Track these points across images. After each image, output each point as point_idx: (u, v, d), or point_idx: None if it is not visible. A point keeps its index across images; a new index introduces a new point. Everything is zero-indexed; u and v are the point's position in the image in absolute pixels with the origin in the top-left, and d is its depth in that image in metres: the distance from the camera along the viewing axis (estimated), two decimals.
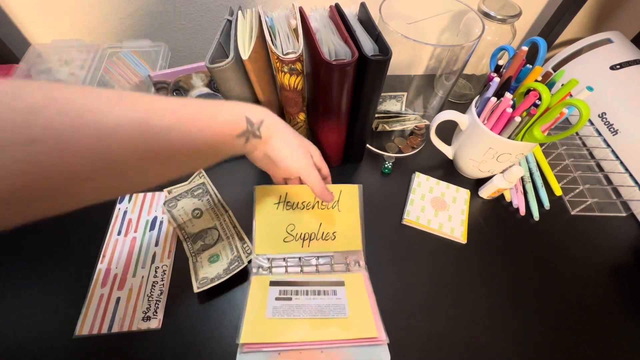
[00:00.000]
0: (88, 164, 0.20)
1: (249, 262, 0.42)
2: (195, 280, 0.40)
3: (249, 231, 0.45)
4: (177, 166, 0.28)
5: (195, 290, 0.38)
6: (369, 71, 0.38)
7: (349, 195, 0.47)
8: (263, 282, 0.41)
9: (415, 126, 0.55)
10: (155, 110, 0.24)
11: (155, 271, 0.42)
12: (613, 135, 0.54)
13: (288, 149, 0.36)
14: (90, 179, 0.21)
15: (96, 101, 0.21)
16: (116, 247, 0.43)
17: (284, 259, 0.43)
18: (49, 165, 0.19)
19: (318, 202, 0.47)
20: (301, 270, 0.43)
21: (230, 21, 0.40)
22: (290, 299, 0.39)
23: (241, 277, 0.41)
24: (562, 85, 0.40)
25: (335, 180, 0.53)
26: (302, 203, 0.46)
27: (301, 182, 0.40)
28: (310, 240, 0.44)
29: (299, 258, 0.43)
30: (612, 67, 0.57)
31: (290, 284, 0.41)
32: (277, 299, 0.39)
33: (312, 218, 0.46)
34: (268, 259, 0.43)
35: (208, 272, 0.41)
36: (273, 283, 0.41)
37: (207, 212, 0.46)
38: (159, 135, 0.24)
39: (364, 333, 0.37)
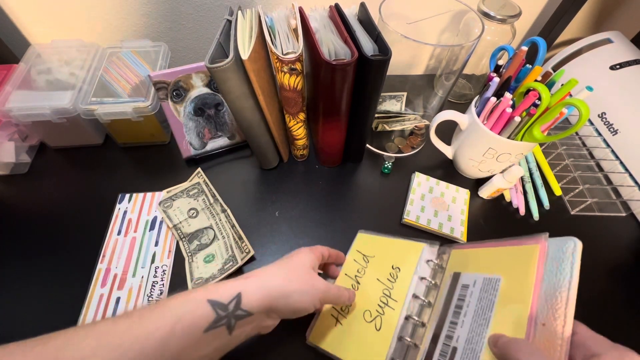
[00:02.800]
0: None
1: (249, 260, 0.42)
2: (191, 280, 0.40)
3: (248, 231, 0.45)
4: None
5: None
6: (369, 71, 0.38)
7: (358, 244, 0.44)
8: None
9: (415, 126, 0.55)
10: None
11: (155, 271, 0.42)
12: (613, 135, 0.54)
13: (294, 285, 0.29)
14: None
15: None
16: (116, 247, 0.43)
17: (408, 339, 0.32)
18: None
19: (357, 288, 0.39)
20: (427, 318, 0.33)
21: (230, 21, 0.40)
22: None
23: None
24: (562, 85, 0.40)
25: (335, 180, 0.53)
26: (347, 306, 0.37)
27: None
28: (389, 297, 0.35)
29: (406, 317, 0.33)
30: (612, 67, 0.57)
31: (434, 339, 0.29)
32: None
33: (370, 291, 0.37)
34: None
35: (203, 272, 0.41)
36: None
37: (202, 212, 0.46)
38: None
39: (527, 258, 0.25)
